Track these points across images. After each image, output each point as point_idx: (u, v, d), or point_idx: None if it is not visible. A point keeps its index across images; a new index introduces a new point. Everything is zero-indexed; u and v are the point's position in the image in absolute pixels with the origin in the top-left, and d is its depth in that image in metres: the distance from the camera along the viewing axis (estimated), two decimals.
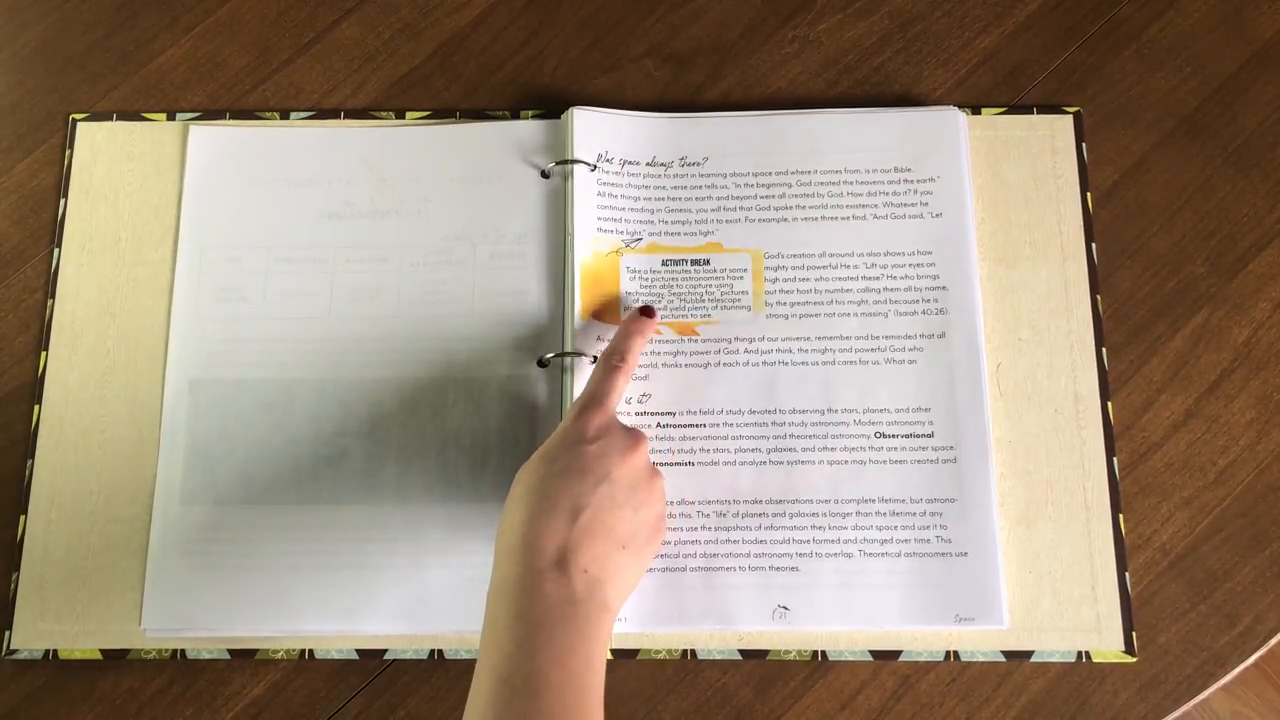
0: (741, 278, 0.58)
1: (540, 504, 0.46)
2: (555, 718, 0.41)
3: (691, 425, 0.56)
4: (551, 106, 0.62)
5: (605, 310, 0.57)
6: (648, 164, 0.60)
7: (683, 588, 0.54)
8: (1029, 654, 0.54)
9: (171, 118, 0.62)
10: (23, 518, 0.56)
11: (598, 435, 0.48)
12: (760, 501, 0.55)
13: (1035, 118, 0.61)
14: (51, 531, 0.56)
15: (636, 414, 0.56)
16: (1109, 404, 0.57)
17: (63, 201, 0.61)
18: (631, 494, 0.48)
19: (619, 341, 0.53)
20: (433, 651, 0.54)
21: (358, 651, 0.54)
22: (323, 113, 0.62)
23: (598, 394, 0.51)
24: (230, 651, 0.54)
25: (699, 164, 0.60)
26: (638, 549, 0.47)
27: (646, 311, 0.56)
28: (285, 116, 0.62)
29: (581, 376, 0.56)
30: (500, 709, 0.41)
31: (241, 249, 0.59)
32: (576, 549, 0.45)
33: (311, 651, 0.54)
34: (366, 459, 0.56)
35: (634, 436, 0.49)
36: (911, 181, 0.59)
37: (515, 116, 0.62)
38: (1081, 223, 0.59)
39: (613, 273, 0.58)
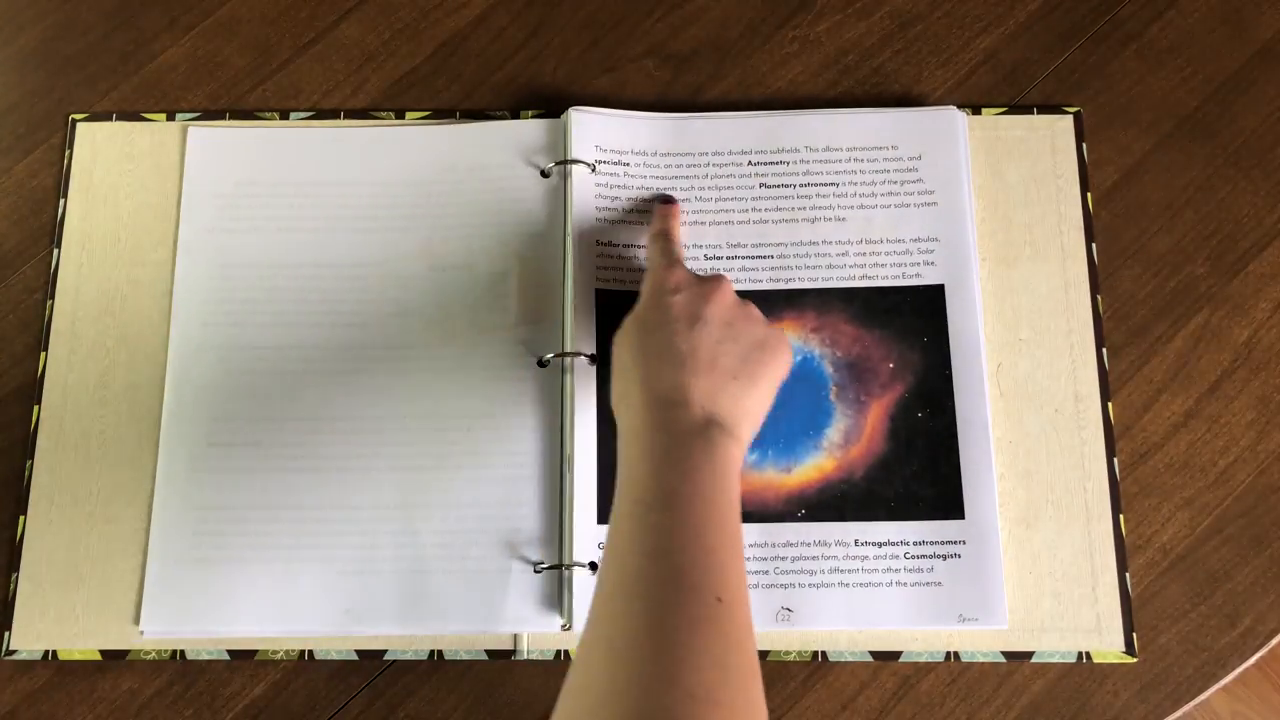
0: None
1: (645, 359, 0.49)
2: (686, 525, 0.43)
3: None
4: (551, 106, 0.62)
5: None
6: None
7: None
8: (1029, 654, 0.54)
9: (171, 118, 0.62)
10: (22, 518, 0.56)
11: (678, 287, 0.51)
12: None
13: (1035, 118, 0.61)
14: (51, 532, 0.56)
15: None
16: (1109, 404, 0.57)
17: (62, 202, 0.61)
18: (727, 329, 0.50)
19: (661, 225, 0.57)
20: (433, 652, 0.54)
21: (357, 652, 0.54)
22: (322, 113, 0.62)
23: (665, 257, 0.54)
24: (230, 652, 0.54)
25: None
26: (750, 375, 0.49)
27: (667, 200, 0.59)
28: (285, 116, 0.62)
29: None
30: (636, 524, 0.44)
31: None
32: (688, 389, 0.47)
33: (311, 652, 0.54)
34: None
35: (713, 278, 0.52)
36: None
37: (515, 116, 0.62)
38: (1081, 223, 0.59)
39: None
